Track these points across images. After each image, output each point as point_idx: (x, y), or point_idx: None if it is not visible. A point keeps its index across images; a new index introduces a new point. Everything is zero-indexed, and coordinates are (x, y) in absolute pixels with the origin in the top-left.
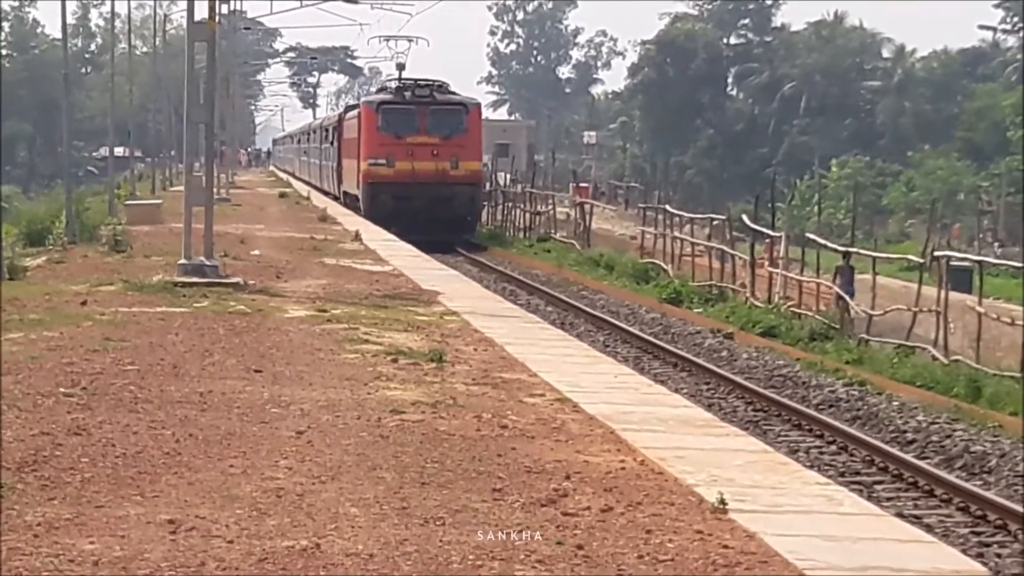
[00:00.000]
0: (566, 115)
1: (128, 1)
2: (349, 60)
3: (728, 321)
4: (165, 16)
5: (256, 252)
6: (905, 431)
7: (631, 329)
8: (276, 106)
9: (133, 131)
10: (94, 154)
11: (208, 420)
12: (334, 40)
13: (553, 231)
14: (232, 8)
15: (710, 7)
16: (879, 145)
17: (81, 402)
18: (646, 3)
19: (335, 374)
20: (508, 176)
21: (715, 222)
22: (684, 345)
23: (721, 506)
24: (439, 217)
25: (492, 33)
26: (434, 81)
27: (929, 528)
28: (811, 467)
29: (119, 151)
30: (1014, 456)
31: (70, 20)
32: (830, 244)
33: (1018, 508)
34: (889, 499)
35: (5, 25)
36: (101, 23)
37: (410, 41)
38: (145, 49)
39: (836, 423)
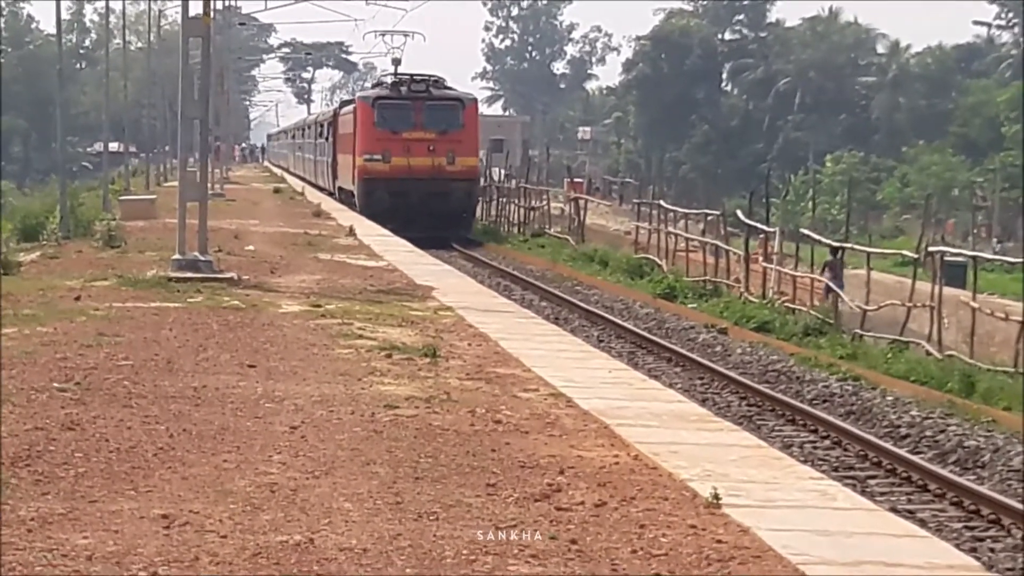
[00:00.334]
0: (561, 111)
1: None
2: (344, 56)
3: (722, 316)
4: (160, 11)
5: (250, 247)
6: (899, 426)
7: (625, 324)
8: (271, 102)
9: (127, 127)
10: (88, 149)
11: (202, 415)
12: (329, 36)
13: (547, 226)
14: (227, 4)
15: (705, 3)
16: (873, 141)
17: (75, 397)
18: None
19: (329, 369)
20: (502, 171)
21: (709, 217)
22: (678, 340)
23: (715, 501)
24: (435, 213)
25: (487, 29)
26: (430, 76)
27: (923, 523)
28: (805, 462)
29: (113, 146)
30: (1008, 451)
31: (64, 15)
32: (824, 240)
33: (1012, 503)
34: (883, 494)
35: (1, 21)
36: (96, 18)
37: (406, 36)
38: (140, 44)
39: (830, 418)
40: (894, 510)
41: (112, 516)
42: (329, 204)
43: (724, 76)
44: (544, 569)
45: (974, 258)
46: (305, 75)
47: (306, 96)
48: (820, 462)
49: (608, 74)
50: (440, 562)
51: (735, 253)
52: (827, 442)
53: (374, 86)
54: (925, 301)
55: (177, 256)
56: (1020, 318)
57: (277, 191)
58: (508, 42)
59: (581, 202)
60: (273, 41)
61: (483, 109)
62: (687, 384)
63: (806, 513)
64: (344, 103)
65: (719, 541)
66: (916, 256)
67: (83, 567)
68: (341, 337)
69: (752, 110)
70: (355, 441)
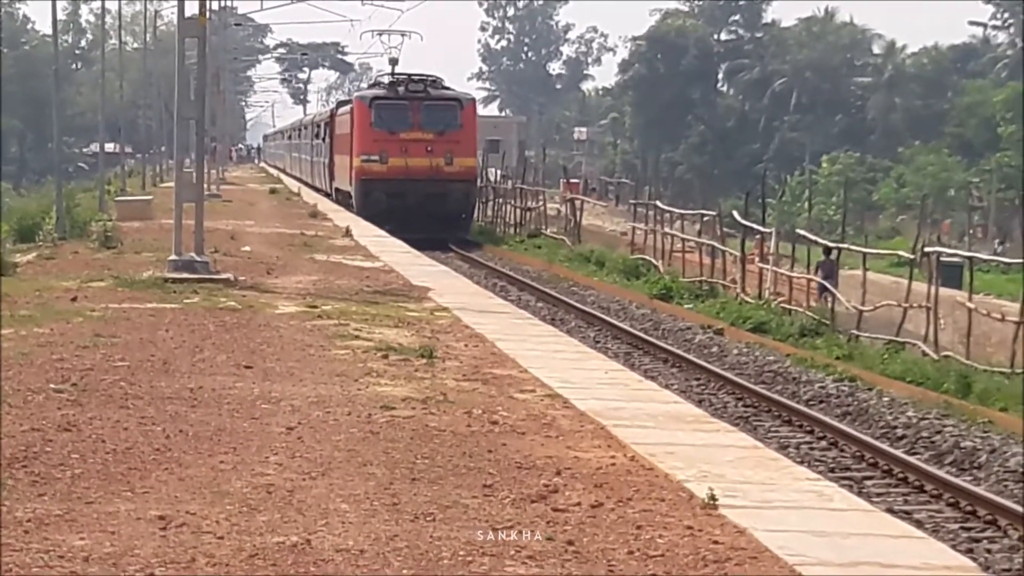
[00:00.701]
0: (557, 111)
1: None
2: (340, 56)
3: (718, 317)
4: (156, 12)
5: (246, 248)
6: (895, 427)
7: (621, 325)
8: (267, 102)
9: (123, 127)
10: (84, 150)
11: (198, 416)
12: (324, 36)
13: (544, 227)
14: (223, 4)
15: (701, 3)
16: (870, 141)
17: (71, 398)
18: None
19: (325, 370)
20: (498, 172)
21: (705, 218)
22: (674, 341)
23: (711, 502)
24: (433, 214)
25: (483, 29)
26: (428, 76)
27: (919, 524)
28: (801, 463)
29: (109, 147)
30: (1004, 452)
31: (60, 16)
32: (820, 240)
33: (1008, 504)
34: (879, 495)
35: None
36: (91, 19)
37: (403, 36)
38: (136, 45)
39: (826, 419)
40: (890, 511)
41: (109, 517)
42: (325, 205)
43: (720, 76)
44: (541, 570)
45: (970, 258)
46: (301, 76)
47: (302, 97)
48: (816, 463)
49: (604, 74)
50: (437, 563)
51: (731, 254)
52: (823, 443)
53: (371, 86)
54: (921, 302)
55: (173, 257)
56: (1016, 319)
57: (273, 192)
58: (504, 42)
59: (577, 203)
60: (269, 42)
61: (479, 109)
62: (683, 385)
63: (802, 514)
64: (341, 103)
65: (715, 542)
66: (912, 257)
67: (80, 568)
68: (337, 338)
69: (748, 110)
70: (352, 442)
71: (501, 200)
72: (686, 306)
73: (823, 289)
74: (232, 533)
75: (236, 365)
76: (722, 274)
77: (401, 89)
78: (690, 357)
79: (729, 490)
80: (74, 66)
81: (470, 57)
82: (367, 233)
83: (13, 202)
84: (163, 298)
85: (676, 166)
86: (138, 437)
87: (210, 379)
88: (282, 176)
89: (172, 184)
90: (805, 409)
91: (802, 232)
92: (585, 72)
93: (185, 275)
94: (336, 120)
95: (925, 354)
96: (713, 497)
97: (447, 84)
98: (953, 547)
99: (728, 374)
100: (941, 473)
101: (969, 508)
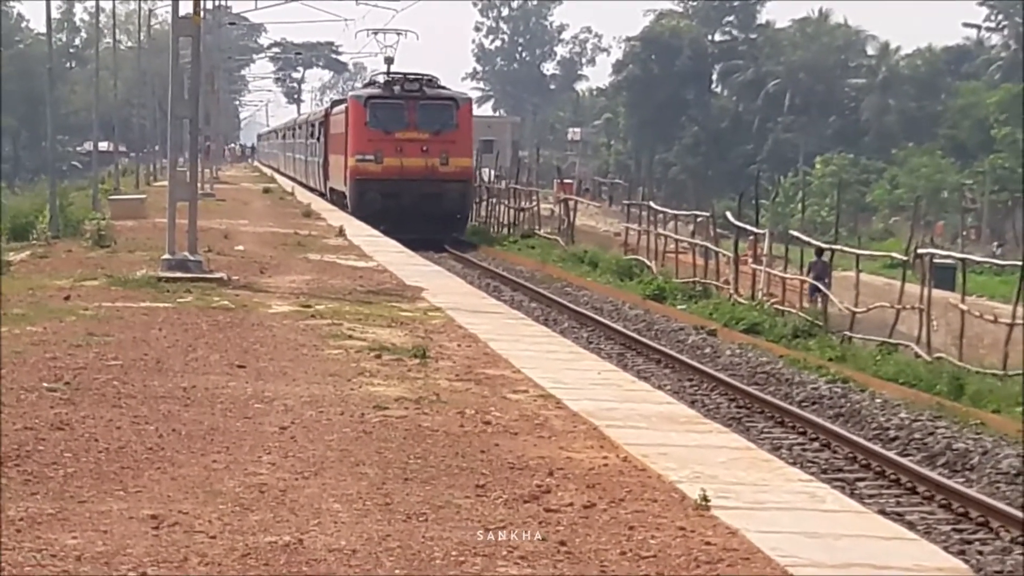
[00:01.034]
0: (551, 111)
1: None
2: (334, 56)
3: (711, 318)
4: (150, 11)
5: (240, 248)
6: (888, 428)
7: (614, 325)
8: (261, 101)
9: (117, 126)
10: (78, 149)
11: (191, 415)
12: (319, 36)
13: (537, 227)
14: (217, 3)
15: (695, 4)
16: (863, 142)
17: (64, 397)
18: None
19: (318, 370)
20: (492, 172)
21: (699, 219)
22: (667, 342)
23: (704, 503)
24: (428, 215)
25: (477, 29)
26: (424, 75)
27: (911, 525)
28: (794, 464)
29: (103, 146)
30: (996, 453)
31: (54, 15)
32: (814, 241)
33: (1000, 505)
34: (871, 496)
35: None
36: (86, 18)
37: (399, 35)
38: (130, 44)
39: (819, 420)
40: (883, 512)
41: (101, 516)
42: (319, 204)
43: (714, 77)
44: (533, 570)
45: (963, 260)
46: (295, 75)
47: (296, 96)
48: (809, 464)
49: (598, 75)
50: (429, 563)
51: (724, 255)
52: (816, 444)
53: (366, 85)
54: (914, 303)
55: (167, 256)
56: (1009, 320)
57: (267, 191)
58: (498, 43)
59: (571, 203)
60: (263, 41)
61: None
62: (676, 386)
63: (795, 515)
64: (336, 102)
65: (708, 543)
66: (905, 258)
67: (72, 567)
68: (331, 338)
69: (742, 111)
70: (344, 442)
71: (495, 200)
72: (679, 307)
73: (814, 289)
74: (225, 532)
75: (229, 364)
76: (715, 275)
77: (397, 88)
78: (683, 358)
79: (722, 491)
80: (68, 65)
81: (464, 57)
82: (361, 233)
83: (7, 200)
84: (156, 297)
85: (670, 167)
86: (131, 436)
87: (203, 378)
88: (276, 176)
89: (166, 183)
90: (798, 410)
91: (795, 233)
92: (579, 72)
93: (178, 274)
94: (331, 119)
95: (918, 356)
96: (706, 498)
97: (443, 83)
98: (945, 549)
99: (721, 375)
100: (933, 475)
101: (961, 510)
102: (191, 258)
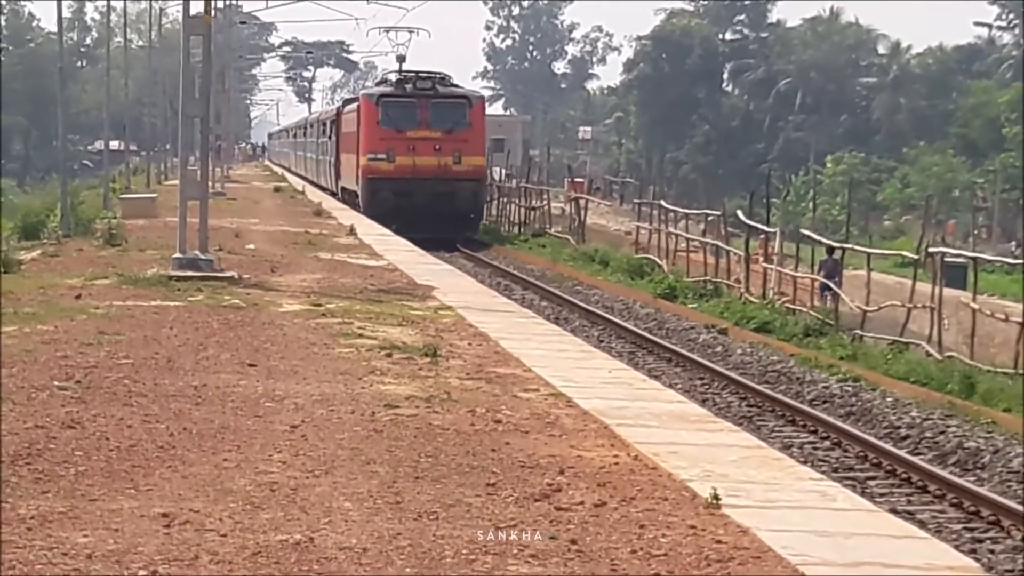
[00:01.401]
0: (561, 110)
1: None
2: (344, 55)
3: (722, 317)
4: (161, 10)
5: (251, 246)
6: (899, 427)
7: (625, 324)
8: (271, 100)
9: (128, 125)
10: (89, 148)
11: (202, 414)
12: (329, 35)
13: (548, 226)
14: (228, 2)
15: (706, 3)
16: (874, 141)
17: (75, 395)
18: None
19: (329, 368)
20: (503, 171)
21: (710, 218)
22: (678, 340)
23: (715, 501)
24: (441, 214)
25: (488, 28)
26: (436, 73)
27: (922, 524)
28: (805, 463)
29: (114, 145)
30: (1008, 452)
31: (65, 14)
32: (825, 240)
33: (1012, 504)
34: (883, 495)
35: (1, 19)
36: (97, 16)
37: (411, 32)
38: (141, 43)
39: (830, 419)
40: (894, 511)
41: (112, 515)
42: (330, 203)
43: (725, 76)
44: (544, 569)
45: (974, 259)
46: (306, 74)
47: (307, 95)
48: (820, 463)
49: (609, 74)
50: (440, 562)
51: (735, 253)
52: (827, 443)
53: (378, 83)
54: (925, 302)
55: (178, 255)
56: (1020, 319)
57: (278, 190)
58: (509, 41)
59: (582, 202)
60: (274, 40)
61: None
62: (687, 384)
63: (806, 514)
64: (348, 101)
65: (719, 541)
66: (916, 257)
67: (83, 566)
68: (341, 336)
69: (753, 110)
70: (355, 440)
71: (505, 199)
72: (690, 306)
73: (824, 287)
74: (235, 531)
75: (240, 363)
76: (726, 274)
77: (409, 87)
78: (694, 357)
79: (732, 490)
80: (79, 64)
81: (475, 56)
82: (371, 231)
83: (18, 199)
84: (167, 296)
85: (680, 165)
86: (142, 435)
87: (214, 377)
88: (287, 174)
89: (177, 182)
90: (809, 409)
91: (806, 232)
92: (590, 71)
93: (189, 273)
94: (343, 118)
95: (929, 354)
96: (716, 497)
97: (455, 81)
98: (956, 547)
99: (732, 374)
100: (944, 473)
101: (972, 509)
102: (202, 257)
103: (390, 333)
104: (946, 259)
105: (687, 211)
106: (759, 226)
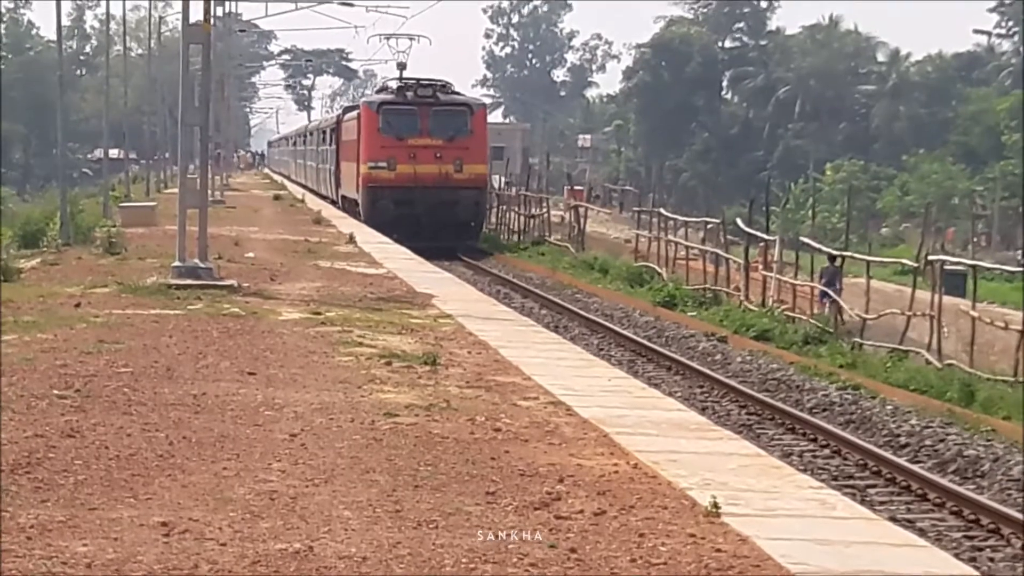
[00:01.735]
0: (561, 118)
1: (123, 3)
2: (344, 63)
3: (722, 325)
4: (160, 18)
5: (250, 255)
6: (898, 435)
7: (625, 332)
8: (271, 108)
9: (128, 133)
10: (89, 156)
11: (202, 422)
12: (329, 43)
13: (547, 234)
14: (227, 10)
15: (705, 10)
16: (874, 149)
17: (75, 404)
18: (641, 6)
19: (329, 377)
20: (502, 179)
21: (709, 226)
22: (678, 349)
23: (714, 510)
24: (442, 223)
25: (487, 36)
26: (437, 81)
27: (922, 532)
28: (804, 471)
29: (114, 153)
30: (1007, 460)
31: (65, 22)
32: (824, 248)
33: (1011, 512)
34: (882, 503)
35: (1, 27)
36: (96, 25)
37: (411, 39)
38: (140, 51)
39: (829, 427)
40: (893, 519)
41: (112, 523)
42: (329, 211)
43: (724, 84)
44: None
45: (974, 267)
46: (305, 82)
47: (306, 103)
48: (820, 471)
49: (608, 82)
50: (439, 570)
51: (735, 261)
52: (827, 451)
53: (379, 91)
54: (925, 310)
55: (177, 263)
56: (1020, 327)
57: (277, 198)
58: (508, 49)
59: (581, 210)
60: (273, 48)
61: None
62: (687, 393)
63: (805, 522)
64: (348, 108)
65: (718, 550)
66: (916, 265)
67: (83, 574)
68: (341, 345)
69: (752, 118)
70: (355, 449)
71: (505, 207)
72: (690, 314)
73: (824, 294)
74: (235, 540)
75: (239, 372)
76: (726, 282)
77: (409, 94)
78: (693, 365)
79: (732, 498)
80: (78, 72)
81: (474, 64)
82: (371, 240)
83: (17, 208)
84: (167, 304)
85: (680, 173)
86: (141, 443)
87: (213, 385)
88: (286, 183)
89: (176, 190)
90: (808, 417)
91: (806, 240)
92: (589, 79)
93: (189, 281)
94: (343, 126)
95: (928, 362)
96: (716, 505)
97: (456, 89)
98: (956, 556)
99: (731, 382)
100: (944, 482)
101: (972, 517)
102: (201, 265)
103: (390, 341)
104: (946, 267)
105: (686, 219)
106: (759, 234)
